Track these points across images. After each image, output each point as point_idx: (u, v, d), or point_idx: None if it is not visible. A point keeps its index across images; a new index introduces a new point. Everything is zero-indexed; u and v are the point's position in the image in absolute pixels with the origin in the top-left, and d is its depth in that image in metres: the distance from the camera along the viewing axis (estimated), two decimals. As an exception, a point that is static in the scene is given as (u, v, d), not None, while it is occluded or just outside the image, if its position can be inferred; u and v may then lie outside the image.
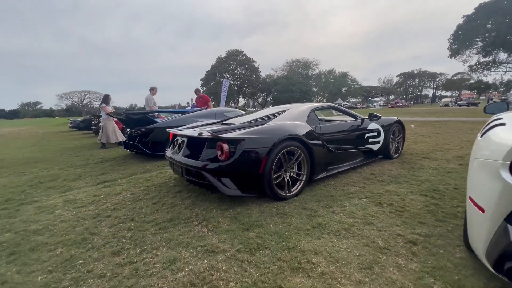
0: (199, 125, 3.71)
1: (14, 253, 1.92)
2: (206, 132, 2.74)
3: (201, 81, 56.80)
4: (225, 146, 2.37)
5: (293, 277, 1.53)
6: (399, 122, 4.43)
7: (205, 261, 1.71)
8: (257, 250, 1.79)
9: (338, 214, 2.31)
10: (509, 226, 1.12)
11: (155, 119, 5.59)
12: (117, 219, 2.42)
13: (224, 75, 57.24)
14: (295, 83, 60.09)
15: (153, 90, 7.62)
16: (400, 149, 4.51)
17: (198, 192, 3.04)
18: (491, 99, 42.72)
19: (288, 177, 2.75)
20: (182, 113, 6.42)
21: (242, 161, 2.42)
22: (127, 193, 3.14)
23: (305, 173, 2.89)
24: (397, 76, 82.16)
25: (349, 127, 3.72)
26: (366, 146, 3.91)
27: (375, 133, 4.00)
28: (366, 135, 3.89)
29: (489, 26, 21.15)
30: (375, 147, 4.01)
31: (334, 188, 3.02)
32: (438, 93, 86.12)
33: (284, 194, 2.68)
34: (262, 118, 3.28)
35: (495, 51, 22.21)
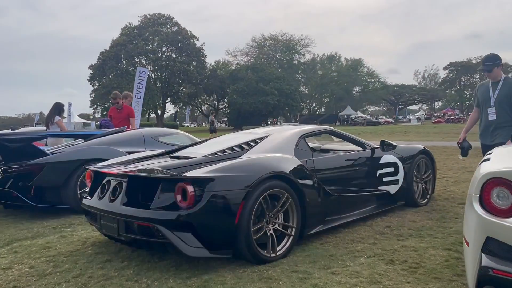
0: (135, 159, 4.70)
1: None
2: (158, 169, 3.75)
3: (90, 72, 57.17)
4: (190, 189, 3.41)
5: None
6: (425, 153, 5.91)
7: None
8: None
9: (338, 275, 3.43)
10: (483, 255, 2.32)
11: (43, 148, 6.40)
12: (30, 297, 3.24)
13: (136, 60, 58.49)
14: (270, 79, 63.44)
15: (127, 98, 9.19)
16: (430, 191, 5.94)
17: (139, 258, 3.96)
18: None
19: (271, 231, 3.84)
20: (85, 137, 7.35)
21: (212, 208, 3.47)
22: (23, 266, 3.94)
23: (294, 226, 4.02)
24: (444, 68, 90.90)
25: (354, 160, 5.03)
26: (380, 187, 5.23)
27: (391, 169, 5.36)
28: (379, 172, 5.23)
29: None
30: (393, 189, 5.35)
31: (335, 247, 4.19)
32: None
33: (267, 255, 3.75)
34: (232, 149, 4.42)
35: None
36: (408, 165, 5.53)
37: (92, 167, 4.41)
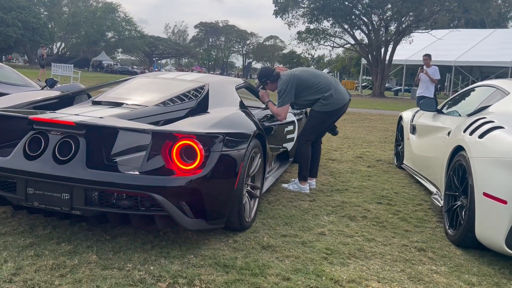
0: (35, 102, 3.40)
1: None
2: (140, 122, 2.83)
3: None
4: (200, 147, 2.68)
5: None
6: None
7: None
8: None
9: (329, 235, 3.37)
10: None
11: None
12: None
13: None
14: (12, 7, 53.81)
15: None
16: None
17: (78, 235, 3.01)
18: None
19: (246, 194, 3.43)
20: None
21: (218, 171, 2.84)
22: None
23: (259, 186, 3.69)
24: (195, 26, 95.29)
25: (271, 116, 4.86)
26: (284, 144, 5.25)
27: (291, 127, 5.43)
28: (286, 129, 5.23)
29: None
30: (290, 145, 5.45)
31: (284, 206, 4.08)
32: (247, 62, 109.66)
33: (248, 220, 3.35)
34: (180, 98, 3.67)
35: (321, 17, 32.56)
36: (299, 121, 5.70)
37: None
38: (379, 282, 2.65)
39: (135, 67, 76.12)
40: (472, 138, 3.26)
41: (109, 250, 2.83)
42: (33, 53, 65.82)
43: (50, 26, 70.40)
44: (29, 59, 65.02)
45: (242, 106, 3.99)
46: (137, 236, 3.09)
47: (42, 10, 69.06)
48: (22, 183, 2.73)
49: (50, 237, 2.96)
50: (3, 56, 65.39)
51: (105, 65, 63.32)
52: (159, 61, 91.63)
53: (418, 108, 5.72)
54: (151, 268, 2.61)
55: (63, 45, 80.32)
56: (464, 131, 3.45)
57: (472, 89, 5.03)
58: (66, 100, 3.92)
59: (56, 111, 3.14)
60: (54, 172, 2.63)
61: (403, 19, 31.37)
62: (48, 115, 2.87)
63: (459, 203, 3.40)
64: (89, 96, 4.20)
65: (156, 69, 75.91)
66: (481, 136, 3.16)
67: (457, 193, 3.48)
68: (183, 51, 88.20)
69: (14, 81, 5.75)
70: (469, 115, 3.96)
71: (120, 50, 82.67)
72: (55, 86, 5.64)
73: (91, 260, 2.66)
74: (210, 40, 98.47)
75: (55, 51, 78.35)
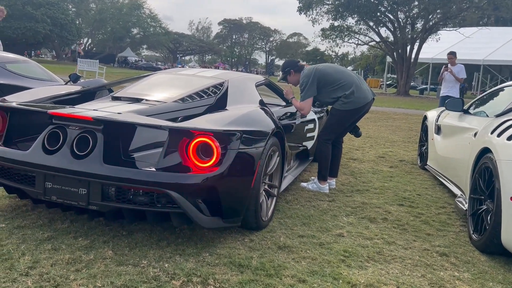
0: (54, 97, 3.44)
1: None
2: (156, 118, 2.82)
3: None
4: (217, 144, 2.65)
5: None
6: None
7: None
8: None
9: (348, 237, 3.30)
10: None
11: None
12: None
13: None
14: (41, 3, 55.14)
15: None
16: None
17: (94, 231, 3.01)
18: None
19: (263, 193, 3.39)
20: None
21: (235, 169, 2.80)
22: None
23: (277, 185, 3.64)
24: (219, 23, 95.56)
25: (291, 114, 4.80)
26: (304, 143, 5.18)
27: (312, 125, 5.36)
28: (306, 127, 5.16)
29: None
30: (310, 144, 5.37)
31: (302, 205, 4.01)
32: (270, 59, 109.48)
33: (264, 219, 3.30)
34: (199, 95, 3.64)
35: (346, 14, 32.28)
36: (319, 119, 5.62)
37: (13, 105, 3.00)
38: None
39: (159, 63, 77.01)
40: (500, 140, 3.13)
41: (125, 245, 2.84)
42: (61, 49, 67.20)
43: (77, 22, 71.80)
44: (57, 55, 66.40)
45: (262, 103, 3.94)
46: (153, 232, 3.09)
47: (70, 7, 70.52)
48: (41, 177, 2.75)
49: (68, 231, 2.99)
50: (32, 52, 67.08)
51: (131, 61, 64.25)
52: (183, 58, 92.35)
53: (444, 108, 5.57)
54: (166, 265, 2.59)
55: (89, 41, 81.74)
56: (492, 133, 3.32)
57: (501, 89, 4.85)
58: (87, 95, 3.95)
59: (75, 106, 3.17)
60: (72, 167, 2.64)
61: (430, 17, 30.83)
62: (67, 110, 2.88)
63: (484, 207, 3.28)
64: (111, 91, 4.23)
65: (179, 66, 76.62)
66: (509, 138, 3.04)
67: (482, 197, 3.36)
68: (207, 48, 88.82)
69: (38, 76, 5.85)
70: (497, 116, 3.81)
71: (145, 46, 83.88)
72: (78, 81, 5.72)
73: (107, 255, 2.67)
74: (234, 37, 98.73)
75: (82, 47, 79.80)
